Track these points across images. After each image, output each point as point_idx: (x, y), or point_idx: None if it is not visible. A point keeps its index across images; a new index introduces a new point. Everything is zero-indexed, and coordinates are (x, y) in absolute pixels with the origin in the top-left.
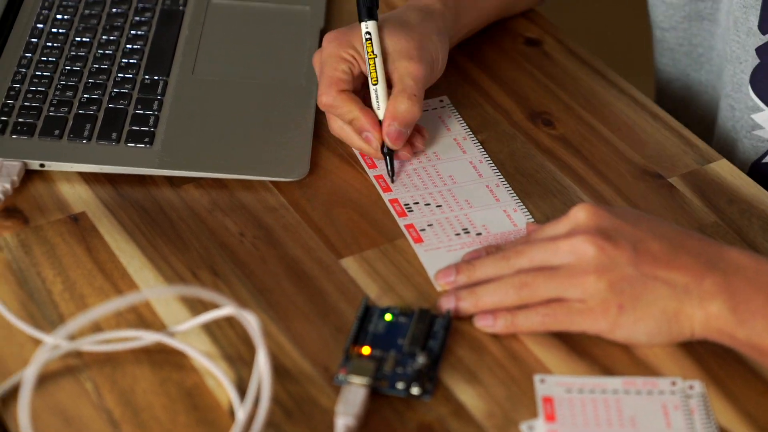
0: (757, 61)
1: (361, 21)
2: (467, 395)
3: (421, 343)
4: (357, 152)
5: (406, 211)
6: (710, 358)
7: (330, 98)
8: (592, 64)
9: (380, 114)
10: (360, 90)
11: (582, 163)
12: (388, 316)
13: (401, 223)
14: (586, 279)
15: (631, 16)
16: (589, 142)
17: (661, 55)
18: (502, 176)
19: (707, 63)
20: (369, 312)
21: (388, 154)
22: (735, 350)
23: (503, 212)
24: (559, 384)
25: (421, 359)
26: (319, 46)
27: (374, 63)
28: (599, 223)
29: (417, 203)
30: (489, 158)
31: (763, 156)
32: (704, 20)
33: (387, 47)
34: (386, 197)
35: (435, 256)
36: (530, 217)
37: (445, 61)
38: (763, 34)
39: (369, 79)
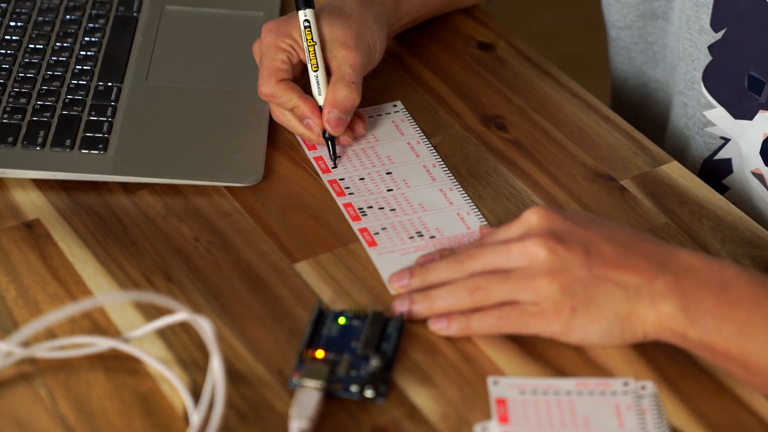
0: (710, 58)
1: (298, 9)
2: (421, 397)
3: (374, 346)
4: (311, 157)
5: (359, 215)
6: (662, 359)
7: (270, 88)
8: (545, 67)
9: (320, 101)
10: (300, 78)
11: (535, 166)
12: (341, 320)
13: (355, 227)
14: (538, 282)
15: (583, 18)
16: (541, 146)
17: (617, 54)
18: (455, 180)
19: (662, 60)
20: (322, 316)
21: (330, 139)
22: (687, 351)
23: (456, 215)
24: (513, 386)
25: (374, 362)
26: None
27: (314, 50)
28: (551, 226)
29: (371, 207)
30: (442, 162)
31: (715, 153)
32: (659, 18)
33: (324, 35)
34: (340, 201)
35: (389, 260)
36: (483, 220)
37: (383, 49)
38: (716, 31)
39: (309, 66)
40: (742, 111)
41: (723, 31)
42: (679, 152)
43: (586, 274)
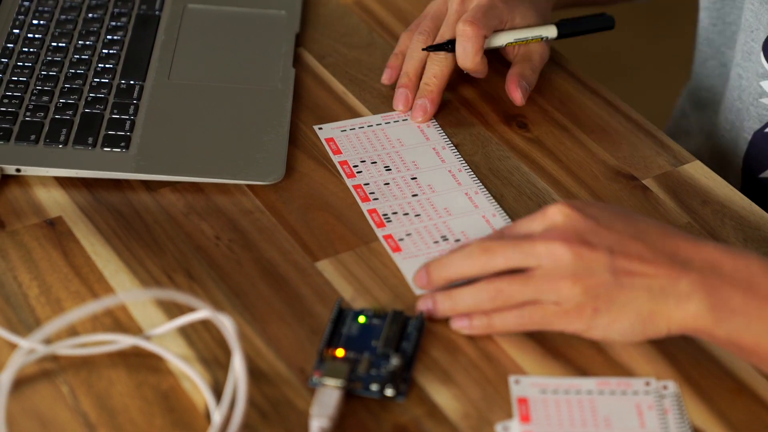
0: None
1: None
2: (442, 396)
3: (394, 345)
4: (336, 161)
5: (384, 221)
6: (684, 358)
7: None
8: (567, 66)
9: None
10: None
11: (556, 165)
12: (361, 318)
13: (379, 233)
14: (561, 284)
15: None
16: (563, 145)
17: (699, 35)
18: (480, 183)
19: None
20: (343, 314)
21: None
22: (711, 346)
23: (482, 217)
24: (534, 385)
25: (394, 361)
26: (296, 49)
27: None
28: (576, 225)
29: (395, 213)
30: (468, 166)
31: (766, 125)
32: None
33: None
34: (364, 207)
35: (414, 264)
36: (509, 220)
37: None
38: None
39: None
40: None
41: None
42: (729, 125)
43: (610, 278)
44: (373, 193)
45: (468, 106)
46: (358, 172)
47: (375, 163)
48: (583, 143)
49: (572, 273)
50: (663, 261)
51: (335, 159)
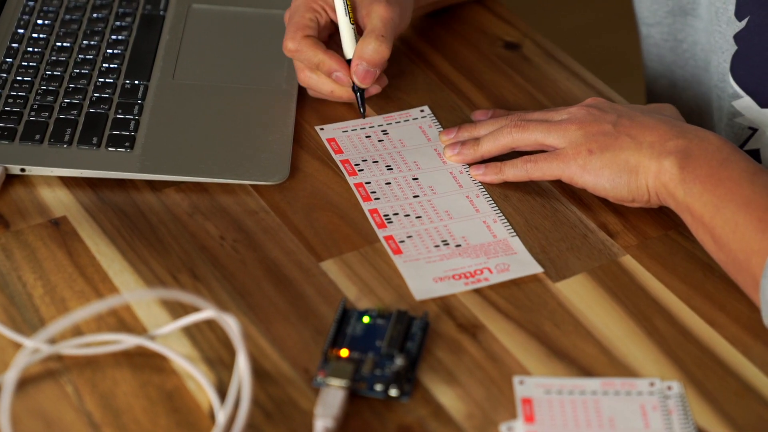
0: (735, 48)
1: None
2: (446, 396)
3: (398, 345)
4: (338, 160)
5: (385, 222)
6: (688, 359)
7: (295, 43)
8: (571, 67)
9: (348, 54)
10: (325, 41)
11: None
12: (365, 319)
13: (380, 234)
14: (568, 127)
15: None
16: None
17: (648, 52)
18: (482, 186)
19: (692, 58)
20: (347, 314)
21: (359, 91)
22: (717, 347)
23: (483, 223)
24: (538, 385)
25: (399, 361)
26: None
27: (349, 5)
28: (597, 103)
29: (396, 214)
30: (468, 168)
31: (744, 143)
32: (687, 15)
33: None
34: (366, 207)
35: (414, 267)
36: (509, 226)
37: (410, 14)
38: (739, 20)
39: (344, 20)
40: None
41: (746, 20)
42: None
43: (611, 129)
44: (374, 192)
45: (472, 106)
46: (359, 170)
47: (376, 162)
48: None
49: (580, 121)
50: (662, 126)
51: (337, 158)
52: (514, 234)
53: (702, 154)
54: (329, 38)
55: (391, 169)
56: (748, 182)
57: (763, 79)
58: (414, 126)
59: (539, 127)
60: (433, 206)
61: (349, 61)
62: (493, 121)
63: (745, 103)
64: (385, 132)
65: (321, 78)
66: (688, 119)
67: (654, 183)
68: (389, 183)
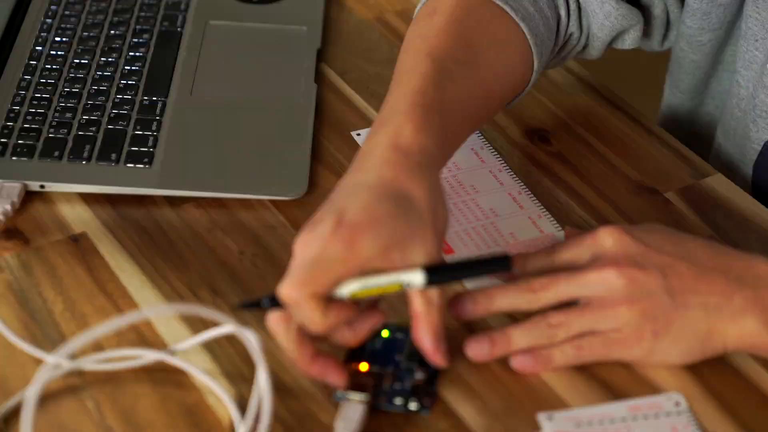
0: None
1: None
2: (466, 410)
3: (418, 359)
4: None
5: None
6: (707, 371)
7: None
8: (588, 80)
9: None
10: None
11: (578, 179)
12: (385, 333)
13: None
14: (617, 310)
15: None
16: (585, 158)
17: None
18: (522, 183)
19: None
20: None
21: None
22: (736, 359)
23: (528, 219)
24: (567, 419)
25: (418, 375)
26: (317, 65)
27: None
28: (626, 250)
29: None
30: (508, 167)
31: None
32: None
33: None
34: None
35: None
36: (554, 221)
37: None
38: None
39: None
40: None
41: None
42: (733, 132)
43: (666, 299)
44: None
45: (490, 120)
46: None
47: None
48: (605, 157)
49: (627, 297)
50: (716, 279)
51: None
52: (560, 228)
53: None
54: None
55: None
56: None
57: None
58: None
59: (582, 320)
60: (477, 205)
61: None
62: (518, 294)
63: None
64: None
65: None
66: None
67: (737, 344)
68: None
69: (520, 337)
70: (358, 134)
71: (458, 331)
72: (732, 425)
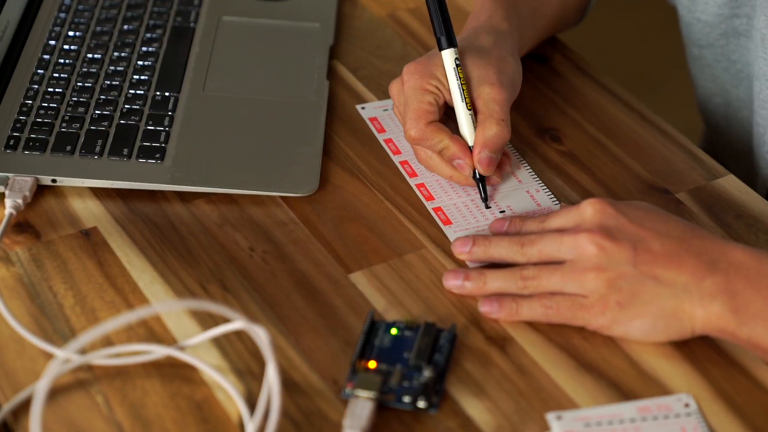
0: None
1: (442, 49)
2: (475, 409)
3: (426, 357)
4: (381, 139)
5: (432, 194)
6: (716, 372)
7: (420, 132)
8: (600, 79)
9: (470, 140)
10: (444, 120)
11: (590, 178)
12: (393, 330)
13: (429, 206)
14: (586, 276)
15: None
16: (596, 158)
17: (701, 72)
18: (523, 159)
19: (746, 79)
20: (375, 326)
21: (480, 180)
22: (746, 358)
23: (526, 192)
24: (576, 419)
25: (427, 373)
26: (330, 62)
27: (465, 89)
28: (603, 220)
29: (443, 187)
30: (509, 143)
31: None
32: (741, 36)
33: (468, 74)
34: (412, 182)
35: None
36: (552, 196)
37: (521, 78)
38: None
39: (461, 105)
40: None
41: None
42: (750, 172)
43: (632, 271)
44: (418, 166)
45: None
46: (403, 150)
47: None
48: (617, 157)
49: (596, 265)
50: (688, 260)
51: (380, 137)
52: (557, 202)
53: (747, 285)
54: (445, 115)
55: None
56: None
57: None
58: None
59: (552, 277)
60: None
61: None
62: (507, 245)
63: None
64: None
65: (441, 162)
66: (743, 140)
67: (704, 327)
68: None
69: (493, 279)
70: (363, 107)
71: (467, 330)
72: (741, 427)
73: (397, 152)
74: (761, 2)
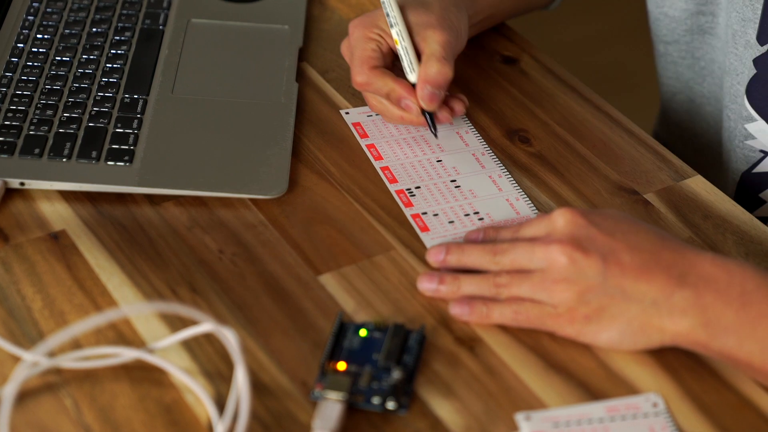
0: (754, 71)
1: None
2: (444, 409)
3: (395, 358)
4: (363, 144)
5: (411, 201)
6: (685, 372)
7: (364, 76)
8: (568, 81)
9: (410, 78)
10: (390, 68)
11: (558, 179)
12: (362, 332)
13: (407, 212)
14: (555, 287)
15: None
16: (565, 159)
17: (665, 69)
18: (503, 167)
19: (709, 76)
20: (344, 328)
21: (429, 115)
22: (715, 360)
23: (506, 201)
24: (545, 419)
25: (396, 374)
26: (299, 64)
27: (406, 33)
28: (574, 231)
29: (423, 195)
30: (491, 150)
31: (754, 166)
32: (705, 34)
33: (410, 21)
34: (392, 188)
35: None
36: (531, 204)
37: (467, 33)
38: (761, 45)
39: (400, 47)
40: None
41: None
42: (718, 164)
43: (601, 284)
44: (398, 172)
45: (470, 120)
46: (385, 155)
47: (400, 146)
48: (585, 158)
49: (565, 277)
50: (658, 274)
51: (363, 142)
52: (536, 210)
53: (717, 298)
54: (393, 65)
55: (417, 155)
56: None
57: None
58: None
59: (522, 286)
60: (457, 186)
61: (414, 86)
62: (481, 254)
63: (758, 126)
64: None
65: (390, 105)
66: (706, 135)
67: (675, 340)
68: (414, 166)
69: (467, 284)
70: (347, 113)
71: (437, 331)
72: (709, 426)
73: (379, 158)
74: (727, 3)
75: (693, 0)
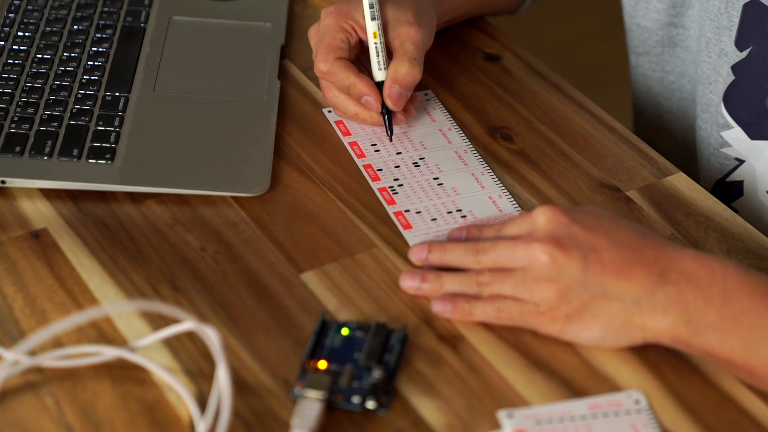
0: (732, 78)
1: None
2: (426, 408)
3: (377, 357)
4: (346, 142)
5: (394, 198)
6: (666, 369)
7: (327, 65)
8: (551, 78)
9: (380, 77)
10: (355, 61)
11: (540, 176)
12: (344, 331)
13: (390, 210)
14: (536, 286)
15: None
16: (547, 156)
17: (636, 83)
18: (486, 165)
19: (678, 90)
20: (326, 326)
21: (387, 113)
22: (696, 357)
23: (488, 198)
24: (528, 417)
25: (376, 373)
26: (281, 61)
27: (381, 30)
28: (555, 229)
29: (406, 192)
30: (473, 148)
31: (728, 174)
32: (676, 46)
33: (386, 16)
34: (375, 186)
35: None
36: (514, 201)
37: (433, 34)
38: (741, 51)
39: (372, 43)
40: (760, 131)
41: (748, 50)
42: (692, 173)
43: (582, 282)
44: (381, 170)
45: (452, 117)
46: (367, 153)
47: (384, 144)
48: (568, 155)
49: (546, 276)
50: (639, 272)
51: (345, 140)
52: (519, 208)
53: (698, 296)
54: (357, 58)
55: (400, 152)
56: (766, 308)
57: (758, 111)
58: (419, 108)
59: (504, 284)
60: (440, 183)
61: (377, 84)
62: (463, 252)
63: (734, 134)
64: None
65: (348, 100)
66: (674, 151)
67: (657, 338)
68: (398, 166)
69: (449, 282)
70: (329, 111)
71: (419, 329)
72: (691, 423)
73: (362, 155)
74: (699, 14)
75: (665, 11)
